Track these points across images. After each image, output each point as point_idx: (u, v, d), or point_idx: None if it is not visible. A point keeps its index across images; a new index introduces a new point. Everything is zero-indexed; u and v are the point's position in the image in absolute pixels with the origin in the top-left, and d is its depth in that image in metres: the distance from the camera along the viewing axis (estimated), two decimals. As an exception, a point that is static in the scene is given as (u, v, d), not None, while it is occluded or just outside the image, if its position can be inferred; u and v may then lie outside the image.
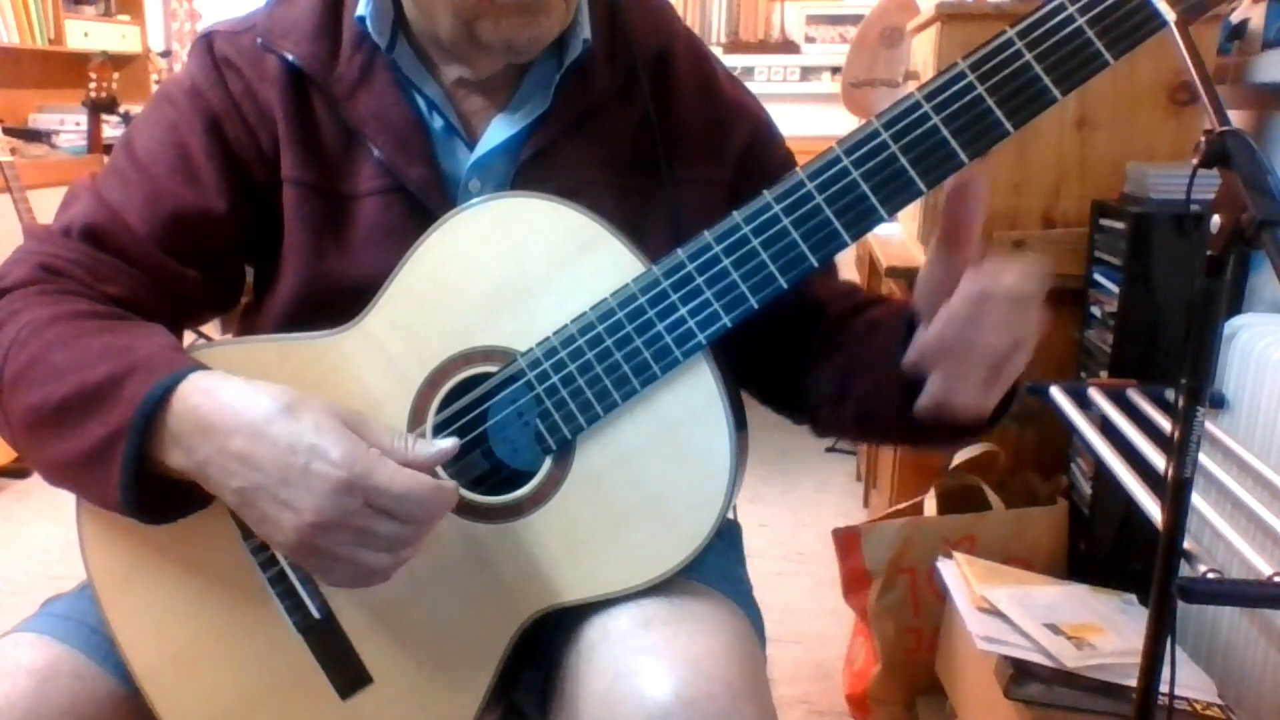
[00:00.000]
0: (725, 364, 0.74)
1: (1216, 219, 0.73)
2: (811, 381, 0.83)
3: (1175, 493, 0.81)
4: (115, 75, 3.30)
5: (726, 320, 0.69)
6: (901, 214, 2.03)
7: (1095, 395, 1.35)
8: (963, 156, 0.65)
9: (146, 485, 0.68)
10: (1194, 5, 0.61)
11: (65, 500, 0.74)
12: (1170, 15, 0.61)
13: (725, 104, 0.86)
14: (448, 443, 0.69)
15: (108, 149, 3.35)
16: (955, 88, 0.64)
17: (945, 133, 0.64)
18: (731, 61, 3.54)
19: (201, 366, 0.69)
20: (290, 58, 0.80)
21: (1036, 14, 0.63)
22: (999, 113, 0.63)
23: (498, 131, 0.81)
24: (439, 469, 0.71)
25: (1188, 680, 1.21)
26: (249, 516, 0.67)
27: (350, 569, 0.66)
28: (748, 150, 0.86)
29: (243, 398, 0.66)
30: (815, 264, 0.68)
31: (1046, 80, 0.63)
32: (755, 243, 0.68)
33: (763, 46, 4.12)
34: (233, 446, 0.65)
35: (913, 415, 0.70)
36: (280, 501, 0.64)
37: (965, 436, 0.74)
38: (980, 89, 0.63)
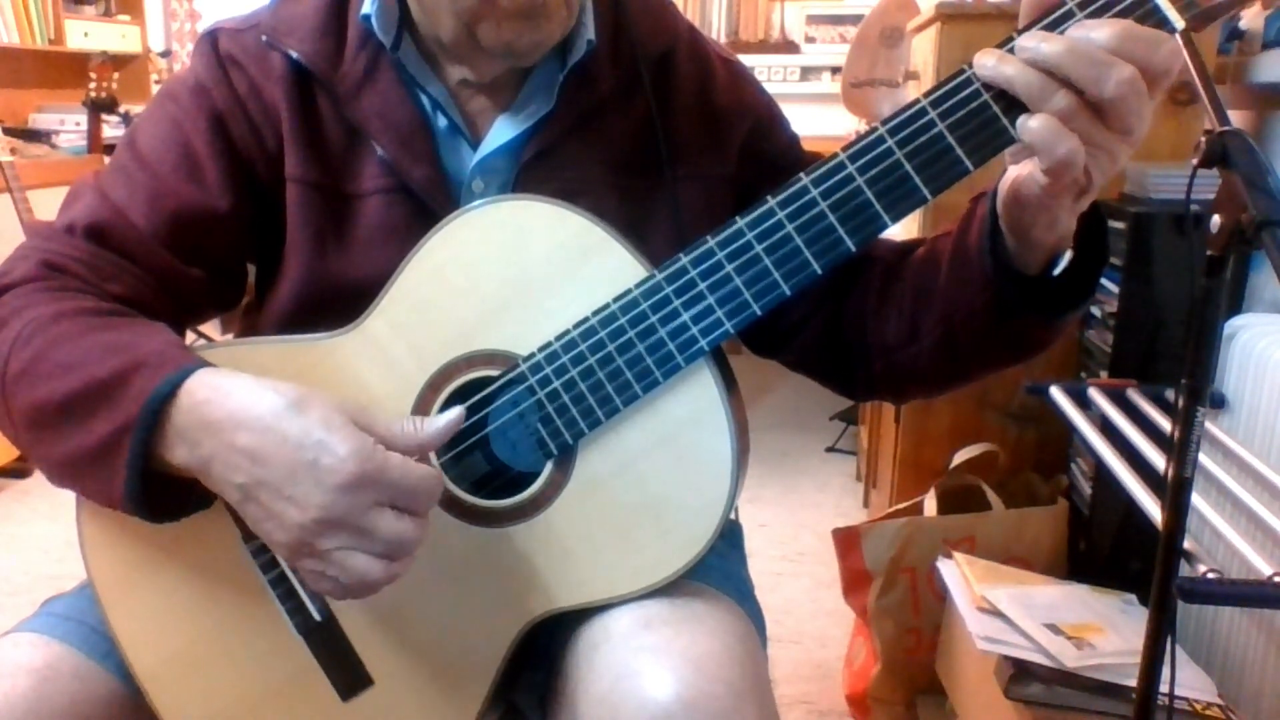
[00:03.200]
0: (728, 365, 0.74)
1: (1216, 219, 0.73)
2: (876, 332, 0.81)
3: (1175, 493, 0.81)
4: (115, 75, 3.30)
5: (728, 326, 0.69)
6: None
7: (1095, 395, 1.35)
8: (968, 164, 0.64)
9: (151, 483, 0.68)
10: (1203, 13, 0.61)
11: (65, 500, 0.74)
12: (1180, 23, 0.60)
13: (725, 101, 0.86)
14: (452, 413, 0.69)
15: (108, 149, 3.35)
16: (962, 94, 0.63)
17: (950, 139, 0.64)
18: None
19: (207, 364, 0.69)
20: (295, 55, 0.80)
21: (1044, 21, 0.62)
22: (1004, 120, 0.63)
23: (501, 132, 0.81)
24: (432, 455, 0.72)
25: (1188, 680, 1.21)
26: (249, 513, 0.66)
27: (342, 575, 0.65)
28: (747, 141, 0.86)
29: (250, 394, 0.65)
30: (819, 270, 0.68)
31: None
32: (758, 249, 0.68)
33: (763, 46, 4.13)
34: (239, 442, 0.64)
35: (1005, 281, 0.69)
36: (285, 497, 0.63)
37: (1063, 312, 0.71)
38: (986, 95, 0.63)
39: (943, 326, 0.76)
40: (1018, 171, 0.66)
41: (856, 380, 0.87)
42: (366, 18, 0.80)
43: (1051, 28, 0.62)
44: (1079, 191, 0.64)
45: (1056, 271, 0.71)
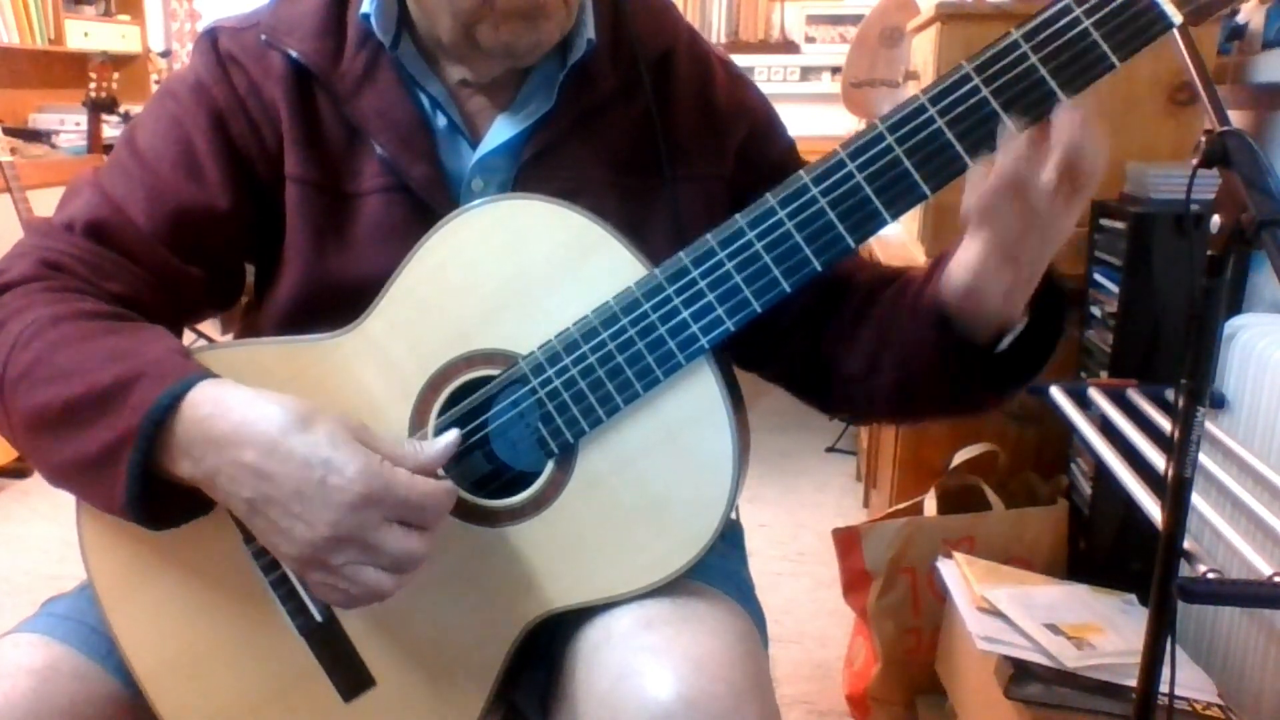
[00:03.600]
0: (730, 364, 0.74)
1: (1216, 219, 0.73)
2: (842, 358, 0.82)
3: (1175, 493, 0.81)
4: (115, 75, 3.30)
5: (729, 324, 0.69)
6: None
7: (1095, 395, 1.35)
8: (966, 160, 0.64)
9: (151, 491, 0.67)
10: (1201, 7, 0.61)
11: (65, 500, 0.74)
12: (1177, 18, 0.60)
13: (725, 103, 0.86)
14: (450, 435, 0.70)
15: (108, 149, 3.34)
16: (960, 90, 0.63)
17: (949, 136, 0.64)
18: (731, 61, 3.55)
19: (210, 374, 0.69)
20: (294, 54, 0.80)
21: (1042, 16, 0.62)
22: (1004, 116, 0.63)
23: (500, 131, 0.81)
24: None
25: (1188, 680, 1.21)
26: (257, 526, 0.66)
27: (352, 587, 0.65)
28: (744, 145, 0.86)
29: (254, 409, 0.65)
30: (819, 268, 0.68)
31: (1052, 83, 0.62)
32: (758, 246, 0.68)
33: (763, 46, 4.13)
34: (244, 459, 0.64)
35: (953, 347, 0.71)
36: (293, 514, 0.64)
37: (1013, 380, 0.73)
38: (985, 91, 0.63)
39: (899, 370, 0.77)
40: (953, 258, 0.68)
41: (830, 399, 0.88)
42: (366, 17, 0.80)
43: (1051, 25, 0.62)
44: (1009, 278, 0.67)
45: (1001, 347, 0.72)
